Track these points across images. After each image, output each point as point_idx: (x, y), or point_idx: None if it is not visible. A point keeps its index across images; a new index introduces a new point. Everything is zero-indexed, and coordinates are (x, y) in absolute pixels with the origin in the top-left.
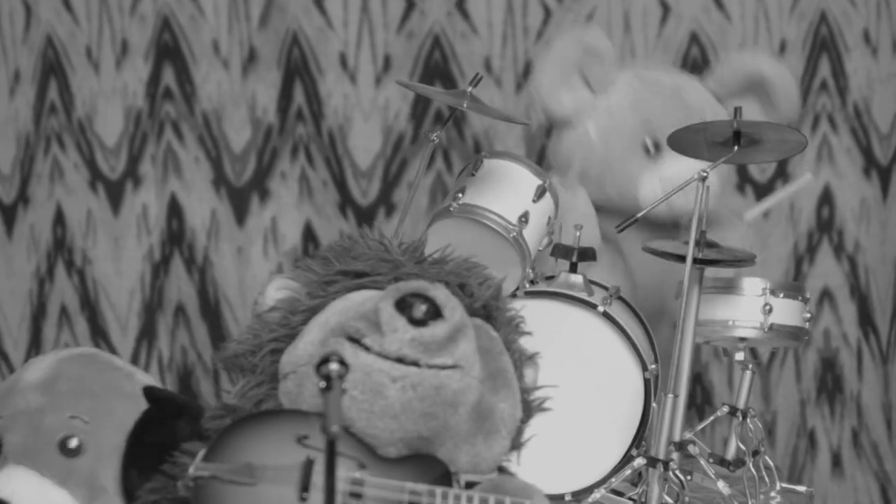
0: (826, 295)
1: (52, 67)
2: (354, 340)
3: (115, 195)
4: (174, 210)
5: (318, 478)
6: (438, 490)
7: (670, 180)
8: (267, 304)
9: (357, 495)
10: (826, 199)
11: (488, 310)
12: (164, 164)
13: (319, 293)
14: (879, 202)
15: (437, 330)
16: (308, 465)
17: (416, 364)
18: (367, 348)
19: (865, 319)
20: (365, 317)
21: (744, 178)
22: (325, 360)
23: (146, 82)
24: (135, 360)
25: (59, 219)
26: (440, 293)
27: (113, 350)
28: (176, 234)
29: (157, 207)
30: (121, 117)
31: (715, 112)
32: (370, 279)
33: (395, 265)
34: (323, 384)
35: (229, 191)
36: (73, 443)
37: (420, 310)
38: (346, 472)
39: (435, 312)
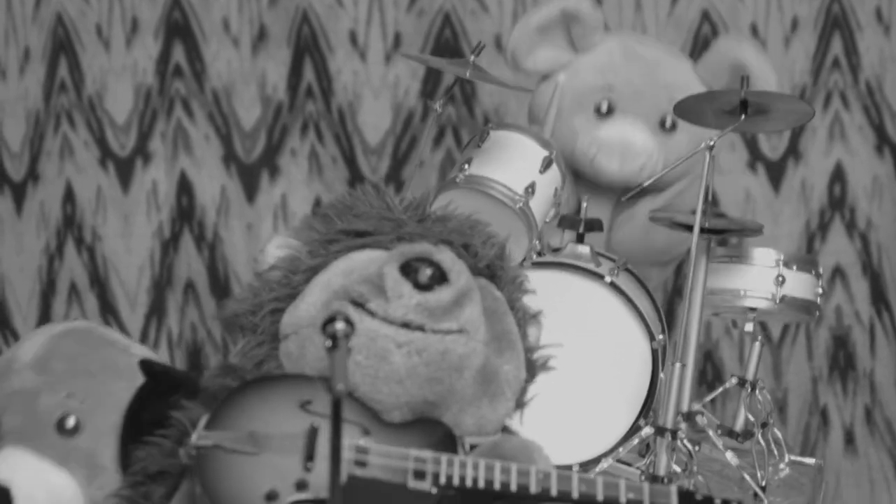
0: (838, 272)
1: (63, 45)
2: (358, 305)
3: (124, 172)
4: (184, 187)
5: (322, 446)
6: (444, 457)
7: (603, 141)
8: (267, 263)
9: (362, 463)
10: (838, 176)
11: (492, 269)
12: (173, 141)
13: (321, 252)
14: (892, 180)
15: (442, 295)
16: (312, 433)
17: (421, 329)
18: (371, 313)
19: (878, 297)
20: (369, 280)
21: (755, 156)
22: (331, 320)
23: (156, 60)
24: (144, 337)
25: (69, 196)
26: (445, 257)
27: (122, 327)
28: (186, 210)
29: (167, 184)
30: (131, 95)
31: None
32: (372, 238)
33: (397, 224)
34: (329, 343)
35: (239, 168)
36: (71, 422)
37: (425, 274)
38: (350, 439)
39: (440, 277)
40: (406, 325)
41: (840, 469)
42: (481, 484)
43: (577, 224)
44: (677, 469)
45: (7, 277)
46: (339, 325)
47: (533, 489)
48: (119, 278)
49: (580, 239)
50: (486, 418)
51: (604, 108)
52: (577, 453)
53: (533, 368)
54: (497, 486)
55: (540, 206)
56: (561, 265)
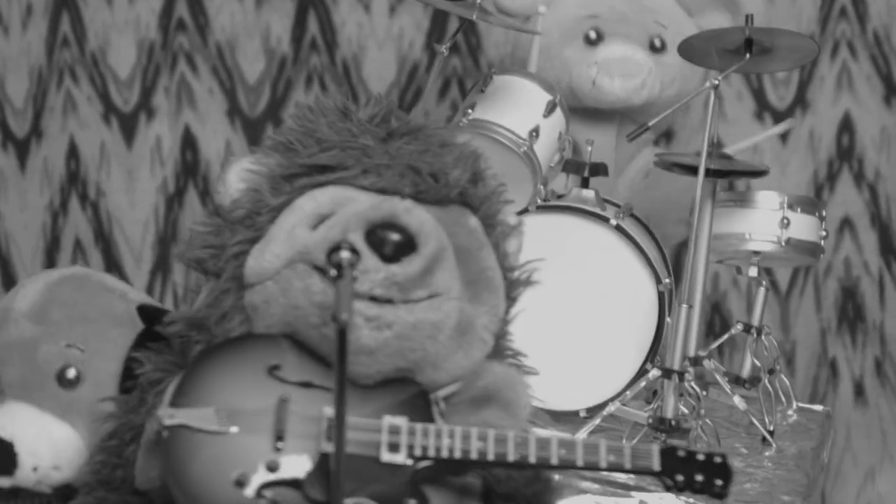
0: (846, 223)
1: (65, 0)
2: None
3: (128, 127)
4: (188, 142)
5: (292, 421)
6: (419, 427)
7: (601, 61)
8: (229, 196)
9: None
10: (846, 126)
11: (464, 196)
12: (177, 95)
13: (284, 188)
14: None
15: (410, 267)
16: (282, 407)
17: (390, 302)
18: None
19: (887, 248)
20: None
21: (762, 106)
22: (335, 248)
23: (159, 14)
24: (149, 292)
25: (73, 152)
26: (413, 220)
27: (127, 283)
28: (190, 165)
29: (171, 139)
30: (134, 49)
31: (670, 18)
32: (336, 175)
33: (362, 152)
34: (334, 273)
35: (243, 122)
36: (72, 373)
37: (392, 244)
38: (320, 409)
39: (407, 243)
40: (374, 299)
41: (850, 420)
42: (457, 454)
43: (581, 168)
44: (685, 411)
45: (11, 234)
46: (345, 255)
47: (511, 457)
48: (124, 234)
49: (585, 183)
50: (462, 367)
51: (592, 35)
52: (584, 398)
53: (515, 289)
54: (474, 454)
55: (544, 150)
56: (566, 209)
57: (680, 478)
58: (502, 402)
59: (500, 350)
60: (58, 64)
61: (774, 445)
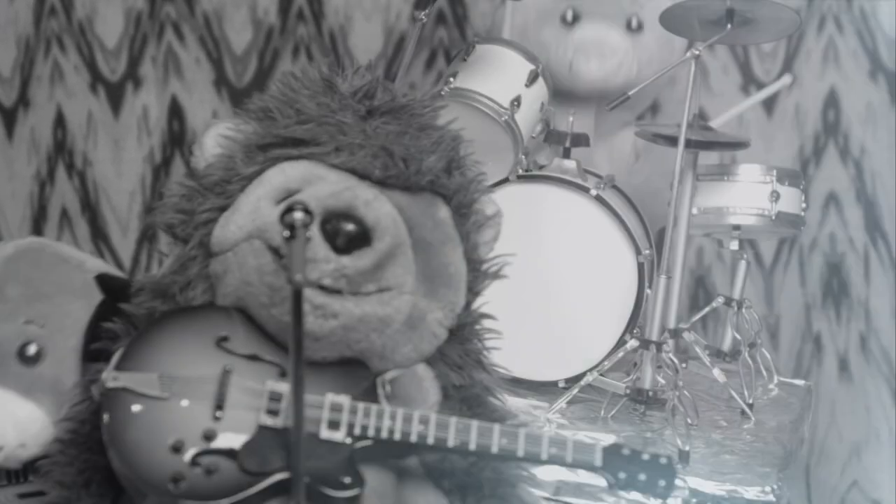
0: (832, 199)
1: None
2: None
3: (115, 97)
4: (175, 111)
5: (233, 392)
6: (360, 406)
7: (578, 43)
8: (204, 160)
9: (274, 412)
10: (832, 102)
11: (435, 185)
12: (164, 65)
13: (257, 158)
14: (886, 106)
15: (361, 262)
16: (224, 377)
17: (339, 292)
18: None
19: (873, 225)
20: None
21: (748, 79)
22: (289, 209)
23: None
24: (136, 262)
25: (60, 121)
26: (370, 213)
27: (114, 252)
28: (177, 135)
29: (158, 109)
30: (121, 19)
31: None
32: (308, 151)
33: (338, 129)
34: (286, 233)
35: (230, 92)
36: (32, 349)
37: (345, 236)
38: (263, 382)
39: (362, 236)
40: (323, 288)
41: (835, 396)
42: (398, 436)
43: (563, 139)
44: (662, 382)
45: None
46: (298, 215)
47: (451, 443)
48: (110, 204)
49: (566, 154)
50: (410, 360)
51: (569, 16)
52: (563, 369)
53: (479, 283)
54: (414, 437)
55: (526, 120)
56: (546, 178)
57: (622, 475)
58: (408, 398)
59: (464, 334)
60: (45, 33)
61: (753, 419)
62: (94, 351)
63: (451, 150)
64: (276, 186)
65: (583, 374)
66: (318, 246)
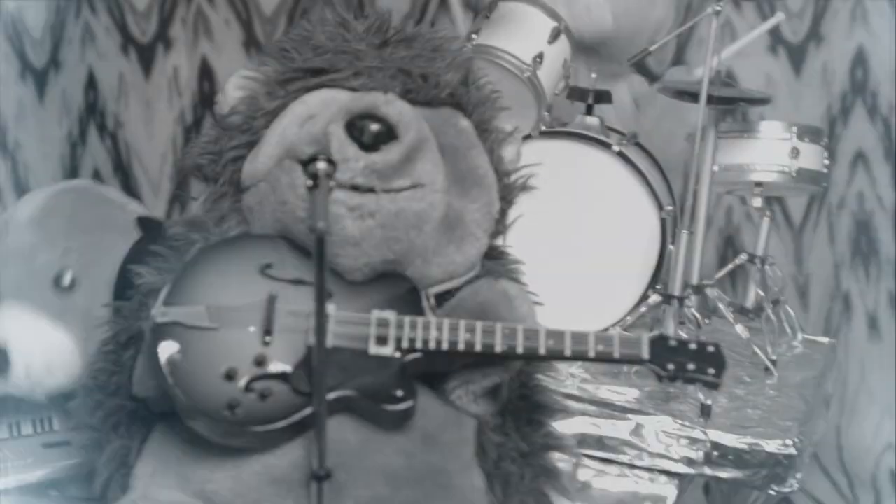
0: (860, 157)
1: None
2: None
3: (146, 58)
4: (205, 72)
5: (280, 317)
6: (407, 320)
7: None
8: (227, 105)
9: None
10: (860, 60)
11: (456, 97)
12: (194, 26)
13: (279, 93)
14: None
15: (389, 155)
16: (270, 304)
17: (372, 190)
18: None
19: None
20: (316, 141)
21: (777, 40)
22: (312, 159)
23: None
24: None
25: (91, 83)
26: (392, 110)
27: None
28: (207, 96)
29: (188, 70)
30: None
31: None
32: (328, 77)
33: (355, 56)
34: (310, 182)
35: (260, 52)
36: (67, 279)
37: (371, 133)
38: (310, 305)
39: (388, 133)
40: (356, 188)
41: (864, 355)
42: (445, 345)
43: (586, 95)
44: (684, 336)
45: (30, 165)
46: (321, 165)
47: (498, 348)
48: (142, 165)
49: (589, 111)
50: (454, 263)
51: None
52: (586, 325)
53: (511, 191)
54: (461, 346)
55: (548, 76)
56: (569, 134)
57: (671, 366)
58: (499, 318)
59: (497, 268)
60: None
61: (776, 375)
62: (122, 289)
63: (466, 68)
64: (300, 114)
65: (606, 330)
66: (346, 146)
